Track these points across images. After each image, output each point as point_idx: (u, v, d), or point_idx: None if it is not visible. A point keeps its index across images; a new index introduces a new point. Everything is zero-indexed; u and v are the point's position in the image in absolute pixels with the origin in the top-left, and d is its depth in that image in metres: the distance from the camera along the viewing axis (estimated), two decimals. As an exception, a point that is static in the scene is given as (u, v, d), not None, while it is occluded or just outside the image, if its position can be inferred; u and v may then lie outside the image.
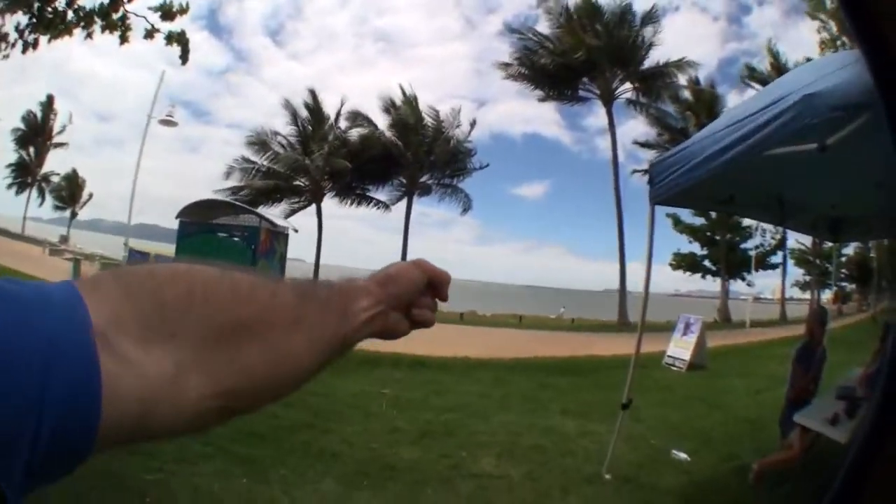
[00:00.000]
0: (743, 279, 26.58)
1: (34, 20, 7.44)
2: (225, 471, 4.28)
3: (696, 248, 27.15)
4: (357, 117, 25.14)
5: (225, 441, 4.68)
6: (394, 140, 25.07)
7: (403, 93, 25.19)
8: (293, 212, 24.55)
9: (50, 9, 7.31)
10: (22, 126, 40.62)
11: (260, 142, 24.74)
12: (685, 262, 27.51)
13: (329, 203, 25.58)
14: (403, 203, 25.63)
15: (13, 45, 7.64)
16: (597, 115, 27.19)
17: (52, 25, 7.36)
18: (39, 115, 41.08)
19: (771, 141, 2.99)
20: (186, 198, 11.52)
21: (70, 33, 7.51)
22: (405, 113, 24.84)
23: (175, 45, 7.38)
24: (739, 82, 24.66)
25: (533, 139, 65.61)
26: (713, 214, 21.26)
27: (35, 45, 7.62)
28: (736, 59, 35.99)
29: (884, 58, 0.59)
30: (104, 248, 24.90)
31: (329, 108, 25.27)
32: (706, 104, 22.62)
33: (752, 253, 25.48)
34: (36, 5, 7.51)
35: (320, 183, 24.52)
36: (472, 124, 26.47)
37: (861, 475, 0.64)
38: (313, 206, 24.83)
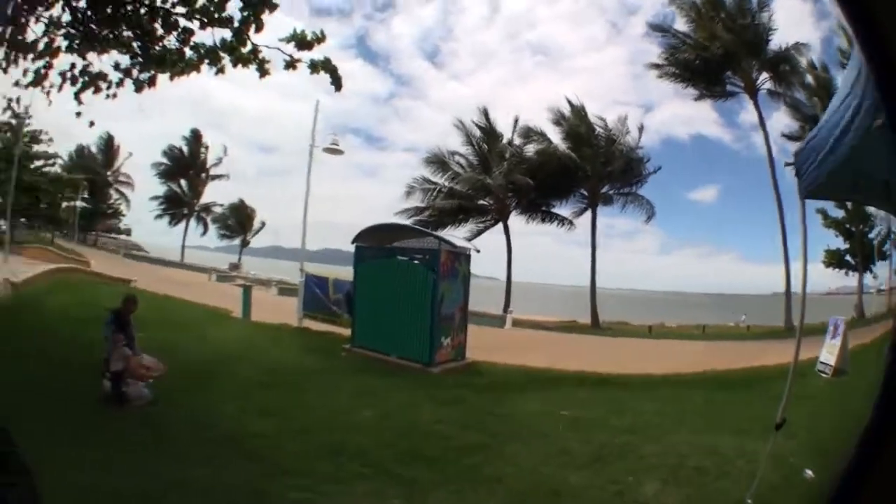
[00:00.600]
0: (870, 271, 24.63)
1: (139, 59, 8.43)
2: (379, 492, 4.34)
3: (840, 242, 25.38)
4: (530, 132, 25.68)
5: (389, 462, 4.91)
6: (568, 153, 25.43)
7: (571, 104, 25.52)
8: (479, 232, 25.95)
9: (158, 47, 8.25)
10: (165, 161, 45.96)
11: (438, 161, 26.10)
12: (835, 259, 25.62)
13: (515, 220, 26.35)
14: (587, 216, 25.70)
15: (120, 84, 8.56)
16: (747, 110, 25.97)
17: (167, 63, 8.17)
18: (186, 149, 46.00)
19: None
20: (366, 223, 12.16)
21: (197, 69, 8.23)
22: (575, 124, 25.23)
23: (322, 72, 7.61)
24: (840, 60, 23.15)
25: (698, 140, 63.10)
26: (849, 205, 20.09)
27: (152, 82, 8.48)
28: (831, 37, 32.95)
29: (884, 58, 0.63)
30: (283, 273, 27.10)
31: (499, 126, 26.19)
32: (825, 87, 21.51)
33: (875, 242, 23.74)
34: (136, 45, 8.40)
35: (504, 201, 25.58)
36: (641, 130, 26.20)
37: (861, 475, 0.69)
38: (500, 225, 25.81)
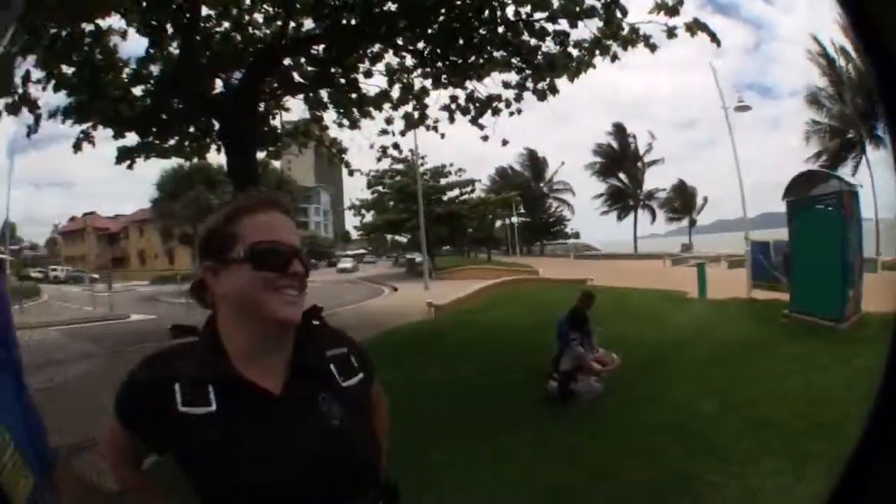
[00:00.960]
0: None
1: (526, 71, 12.85)
2: (782, 470, 5.70)
3: None
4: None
5: (800, 435, 6.44)
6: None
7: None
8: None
9: (539, 56, 12.22)
10: (597, 159, 66.05)
11: (813, 100, 32.71)
12: None
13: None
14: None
15: (519, 99, 13.48)
16: None
17: (559, 67, 12.07)
18: (615, 143, 64.47)
19: None
20: (786, 179, 14.84)
21: (591, 64, 12.13)
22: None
23: (700, 33, 10.50)
24: None
25: None
26: None
27: (553, 89, 12.90)
28: None
29: (884, 59, 0.82)
30: (729, 246, 32.51)
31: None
32: None
33: None
34: (514, 61, 12.71)
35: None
36: None
37: (861, 475, 0.90)
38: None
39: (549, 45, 12.37)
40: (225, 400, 1.51)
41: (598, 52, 11.98)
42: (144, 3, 10.69)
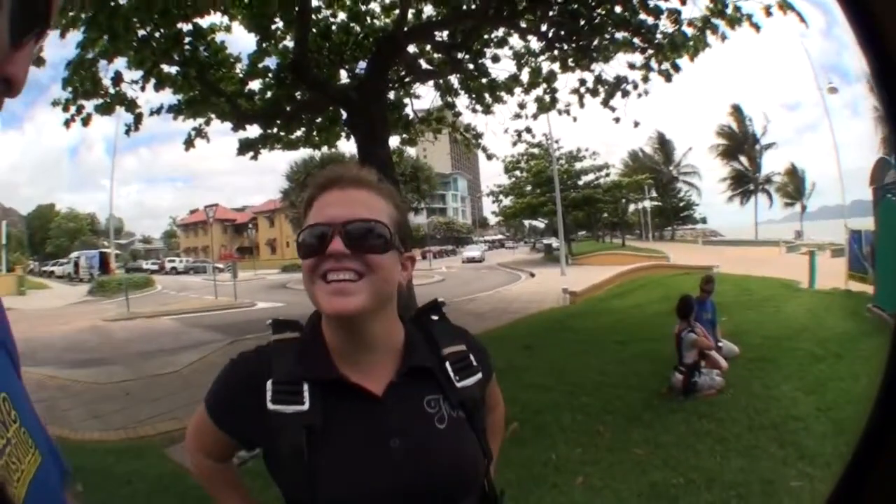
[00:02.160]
0: None
1: (650, 51, 13.11)
2: None
3: None
4: None
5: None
6: None
7: None
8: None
9: (659, 35, 12.63)
10: (720, 141, 66.58)
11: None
12: None
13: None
14: None
15: (646, 80, 13.90)
16: None
17: (679, 46, 12.43)
18: (734, 125, 64.29)
19: None
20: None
21: (705, 44, 12.46)
22: None
23: (789, 12, 11.04)
24: None
25: None
26: None
27: (675, 68, 13.28)
28: None
29: (884, 58, 0.82)
30: (833, 234, 31.55)
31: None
32: None
33: None
34: (635, 41, 13.04)
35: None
36: None
37: (861, 475, 0.91)
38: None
39: (664, 24, 12.72)
40: (318, 399, 1.48)
41: (708, 30, 12.36)
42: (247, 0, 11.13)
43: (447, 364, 1.61)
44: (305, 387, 1.48)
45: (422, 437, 1.49)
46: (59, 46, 10.96)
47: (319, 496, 1.42)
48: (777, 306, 15.97)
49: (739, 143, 68.88)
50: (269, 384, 1.49)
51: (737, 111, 69.22)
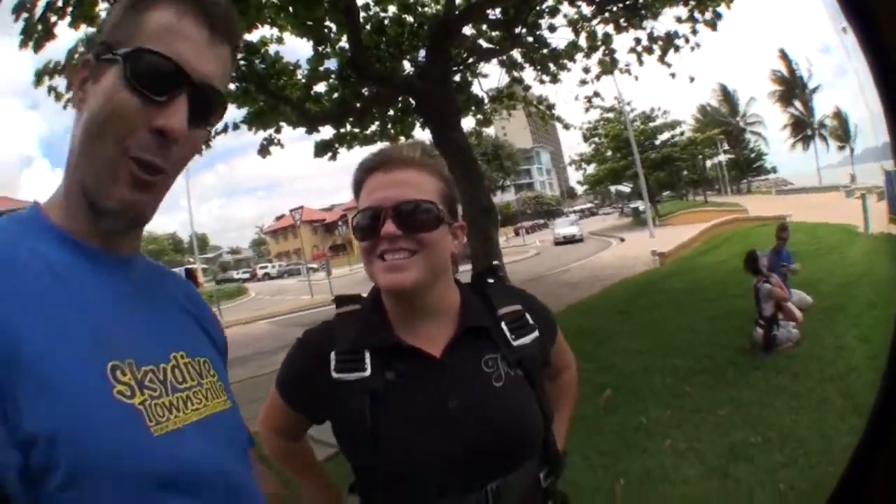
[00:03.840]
0: None
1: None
2: None
3: None
4: None
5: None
6: None
7: None
8: None
9: None
10: (775, 87, 67.49)
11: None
12: None
13: None
14: None
15: (694, 33, 13.77)
16: None
17: None
18: (783, 70, 66.01)
19: None
20: None
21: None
22: None
23: None
24: None
25: None
26: None
27: (717, 17, 13.22)
28: None
29: (884, 58, 0.84)
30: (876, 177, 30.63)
31: None
32: None
33: None
34: None
35: None
36: None
37: (862, 473, 0.92)
38: None
39: None
40: (380, 365, 1.56)
41: None
42: (291, 9, 11.11)
43: (503, 324, 1.67)
44: (367, 355, 1.57)
45: (479, 396, 1.56)
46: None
47: (381, 459, 1.51)
48: (842, 253, 16.05)
49: (791, 87, 68.97)
50: (332, 355, 1.59)
51: (783, 55, 69.96)
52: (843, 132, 65.79)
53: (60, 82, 9.83)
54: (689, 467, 5.36)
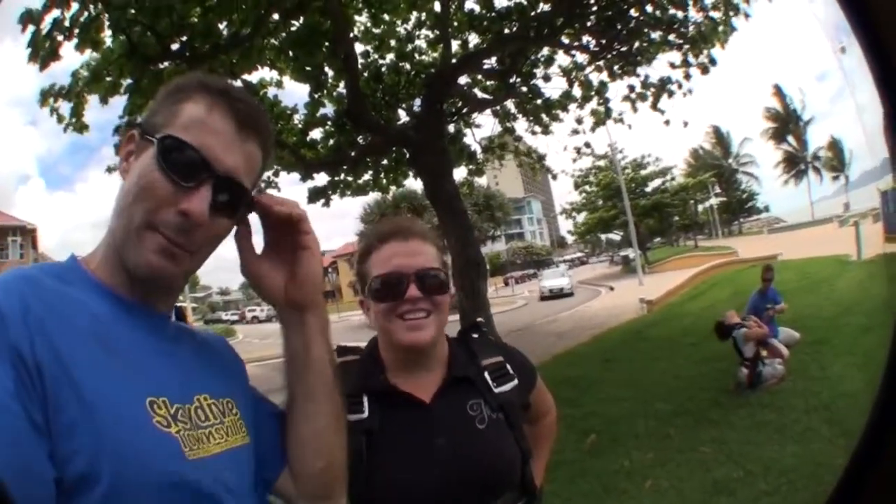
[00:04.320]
0: None
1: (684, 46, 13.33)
2: None
3: None
4: None
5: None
6: None
7: None
8: None
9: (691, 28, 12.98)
10: (769, 124, 69.70)
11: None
12: None
13: None
14: None
15: (687, 77, 14.10)
16: None
17: (710, 36, 12.78)
18: (777, 106, 66.14)
19: None
20: None
21: (732, 30, 13.06)
22: None
23: None
24: None
25: None
26: None
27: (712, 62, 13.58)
28: None
29: (884, 58, 0.83)
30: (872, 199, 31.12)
31: None
32: None
33: None
34: (671, 38, 13.25)
35: None
36: None
37: (861, 474, 0.93)
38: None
39: (693, 15, 13.04)
40: (376, 408, 1.73)
41: (731, 11, 12.83)
42: (291, 53, 11.42)
43: (486, 373, 1.85)
44: (365, 398, 1.74)
45: (464, 436, 1.73)
46: (104, 111, 10.96)
47: (375, 489, 1.66)
48: (832, 285, 16.49)
49: (785, 122, 70.35)
50: None
51: (778, 91, 71.21)
52: (837, 161, 66.41)
53: (63, 105, 9.96)
54: (668, 504, 5.47)
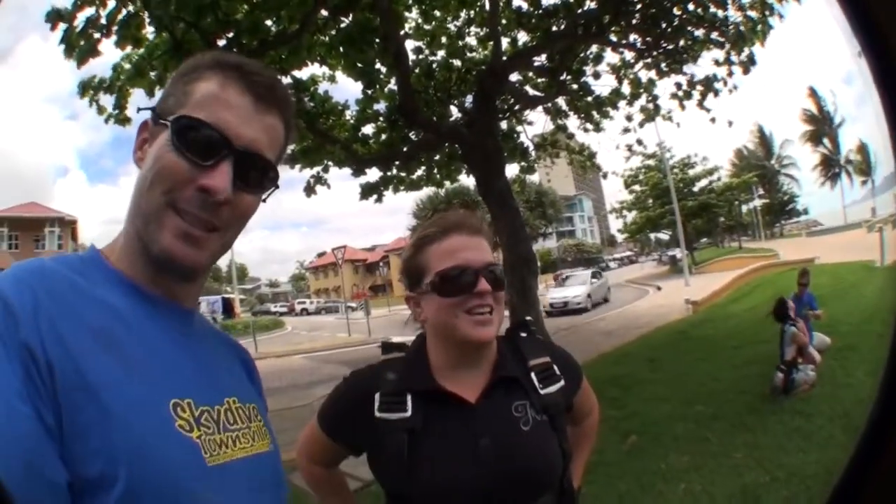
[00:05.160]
0: None
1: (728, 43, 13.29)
2: None
3: None
4: None
5: None
6: None
7: None
8: None
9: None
10: (805, 126, 69.96)
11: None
12: None
13: None
14: None
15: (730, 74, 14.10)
16: None
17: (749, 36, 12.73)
18: (813, 108, 66.57)
19: None
20: None
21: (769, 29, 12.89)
22: None
23: None
24: None
25: None
26: None
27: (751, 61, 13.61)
28: None
29: (884, 58, 0.83)
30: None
31: None
32: None
33: None
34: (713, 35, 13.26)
35: None
36: None
37: (861, 475, 0.93)
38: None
39: (732, 15, 13.01)
40: (420, 408, 1.71)
41: (766, 11, 12.73)
42: (342, 50, 11.44)
43: (532, 374, 1.81)
44: (409, 397, 1.72)
45: (508, 437, 1.69)
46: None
47: (416, 488, 1.66)
48: (860, 290, 16.57)
49: (821, 125, 70.83)
50: (377, 396, 1.74)
51: (813, 93, 71.87)
52: (865, 165, 66.42)
53: (103, 97, 10.06)
54: (699, 508, 5.52)
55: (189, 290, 1.27)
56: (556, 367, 1.88)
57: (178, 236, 1.13)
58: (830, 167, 71.71)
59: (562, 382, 1.85)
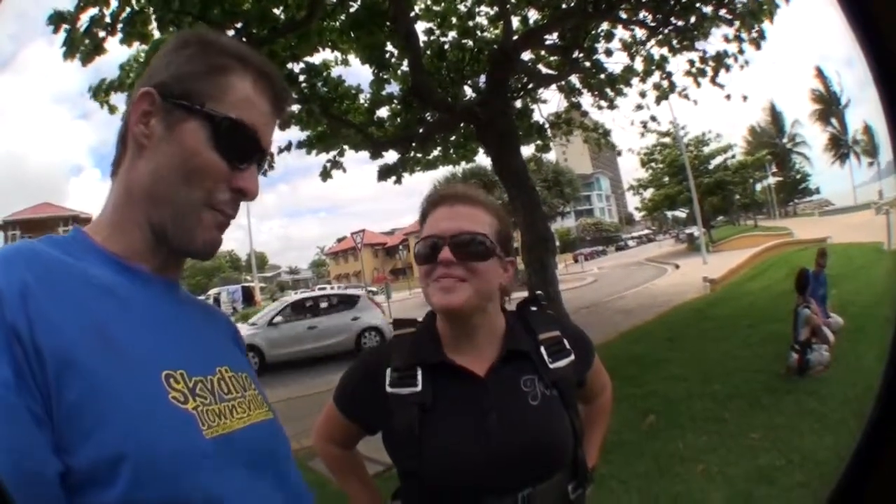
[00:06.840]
0: None
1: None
2: None
3: None
4: None
5: None
6: None
7: None
8: None
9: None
10: (815, 105, 69.66)
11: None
12: None
13: None
14: None
15: (741, 52, 13.64)
16: None
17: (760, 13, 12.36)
18: (821, 88, 66.64)
19: None
20: None
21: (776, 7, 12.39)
22: None
23: None
24: None
25: None
26: None
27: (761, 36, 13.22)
28: None
29: (884, 57, 0.83)
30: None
31: None
32: None
33: None
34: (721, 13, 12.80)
35: None
36: None
37: (862, 474, 0.93)
38: None
39: None
40: (430, 381, 1.70)
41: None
42: (352, 34, 11.35)
43: (542, 348, 1.78)
44: (419, 372, 1.71)
45: (516, 412, 1.67)
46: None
47: (425, 463, 1.63)
48: (869, 272, 16.82)
49: (829, 104, 70.90)
50: (388, 371, 1.73)
51: (820, 73, 72.28)
52: (871, 147, 66.97)
53: (114, 97, 9.96)
54: (716, 491, 5.46)
55: (177, 265, 1.28)
56: (566, 342, 1.84)
57: (217, 227, 1.21)
58: (839, 147, 71.80)
59: (572, 357, 1.82)
